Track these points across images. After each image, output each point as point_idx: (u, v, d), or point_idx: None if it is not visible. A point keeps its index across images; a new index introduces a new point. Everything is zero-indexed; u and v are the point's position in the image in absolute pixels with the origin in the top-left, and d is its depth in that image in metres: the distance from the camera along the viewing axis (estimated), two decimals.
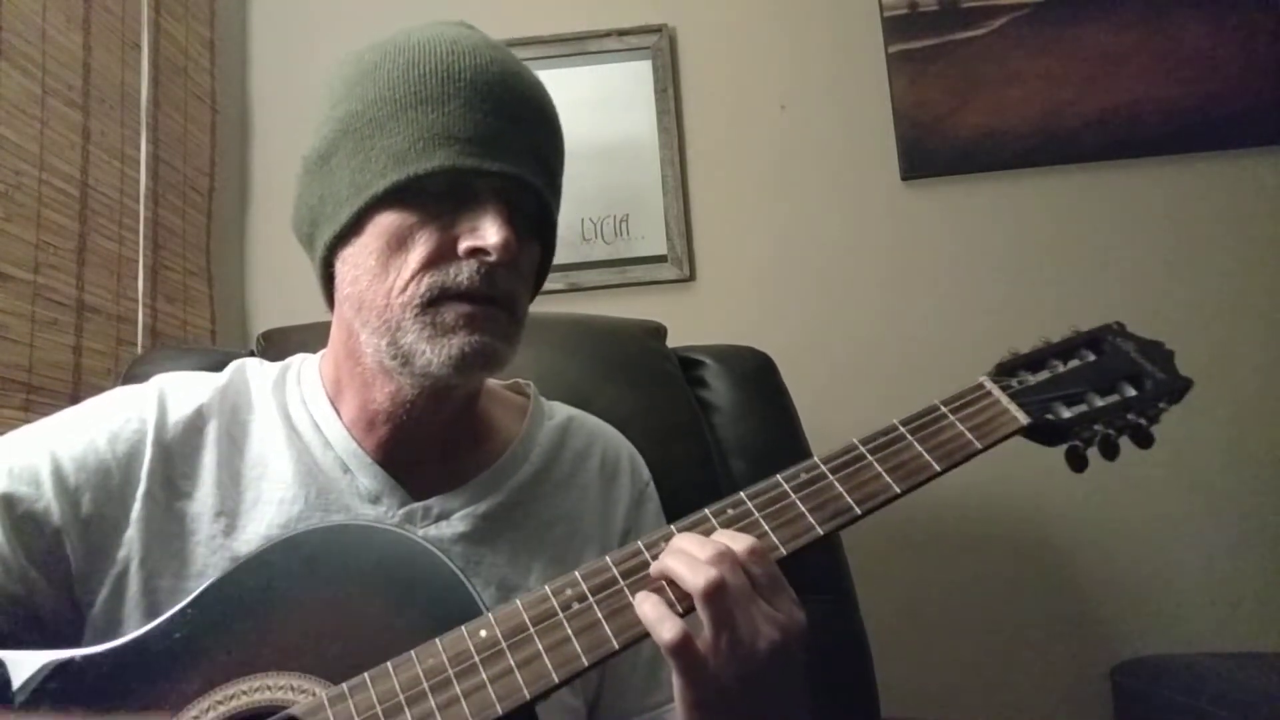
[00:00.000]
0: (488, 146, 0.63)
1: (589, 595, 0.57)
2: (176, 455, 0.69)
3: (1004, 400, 0.65)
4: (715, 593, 0.53)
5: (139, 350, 1.31)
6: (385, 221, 0.64)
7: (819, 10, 1.65)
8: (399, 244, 0.64)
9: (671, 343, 1.16)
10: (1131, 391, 0.66)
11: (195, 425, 0.70)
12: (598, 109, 1.62)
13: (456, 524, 0.71)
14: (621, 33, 1.65)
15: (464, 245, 0.63)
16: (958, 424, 0.64)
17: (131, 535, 0.65)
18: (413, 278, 0.64)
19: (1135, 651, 1.40)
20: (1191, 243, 1.54)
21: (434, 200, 0.64)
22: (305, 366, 0.78)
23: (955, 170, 1.59)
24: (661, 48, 1.64)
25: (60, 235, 1.18)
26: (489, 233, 0.62)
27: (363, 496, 0.70)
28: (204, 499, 0.68)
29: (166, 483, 0.67)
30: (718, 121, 1.64)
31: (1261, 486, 1.46)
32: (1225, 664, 1.23)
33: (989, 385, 0.67)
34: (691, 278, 1.59)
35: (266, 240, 1.66)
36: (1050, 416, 0.65)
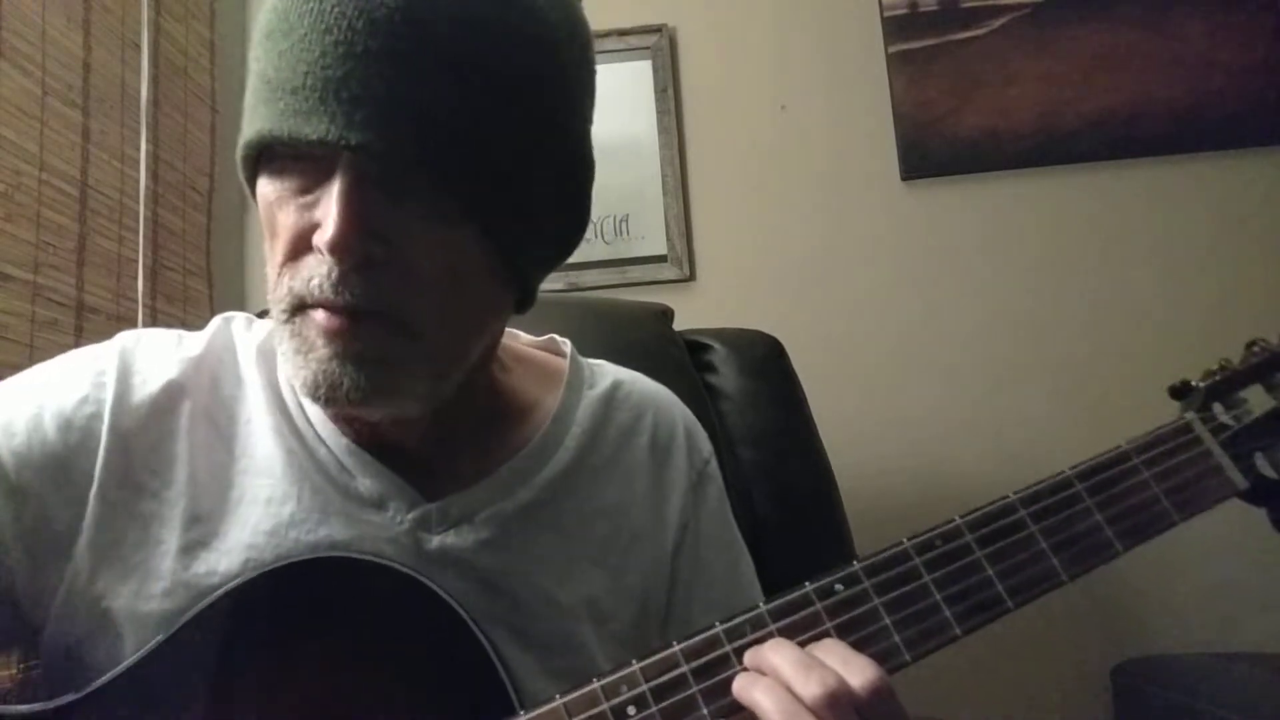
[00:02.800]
0: (321, 99, 0.45)
1: (650, 701, 0.44)
2: (140, 445, 0.55)
3: (1215, 450, 0.50)
4: None
5: None
6: (260, 194, 0.51)
7: (819, 10, 1.65)
8: (269, 227, 0.51)
9: (677, 330, 1.14)
10: None
11: (164, 407, 0.57)
12: (598, 109, 1.62)
13: (480, 528, 0.58)
14: (621, 33, 1.65)
15: (314, 238, 0.48)
16: (1152, 483, 0.49)
17: (82, 546, 0.53)
18: (277, 274, 0.51)
19: (1135, 651, 1.40)
20: (1191, 243, 1.54)
21: (296, 168, 0.49)
22: None
23: (955, 170, 1.59)
24: (661, 48, 1.64)
25: (60, 235, 1.18)
26: (325, 225, 0.46)
27: (365, 500, 0.57)
28: (174, 499, 0.55)
29: (126, 480, 0.55)
30: (718, 121, 1.64)
31: None
32: (1225, 664, 1.23)
33: (1197, 427, 0.51)
34: (691, 278, 1.59)
35: None
36: (1270, 473, 0.50)
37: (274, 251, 0.50)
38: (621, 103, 1.63)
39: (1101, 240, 1.55)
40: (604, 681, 0.45)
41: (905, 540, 0.48)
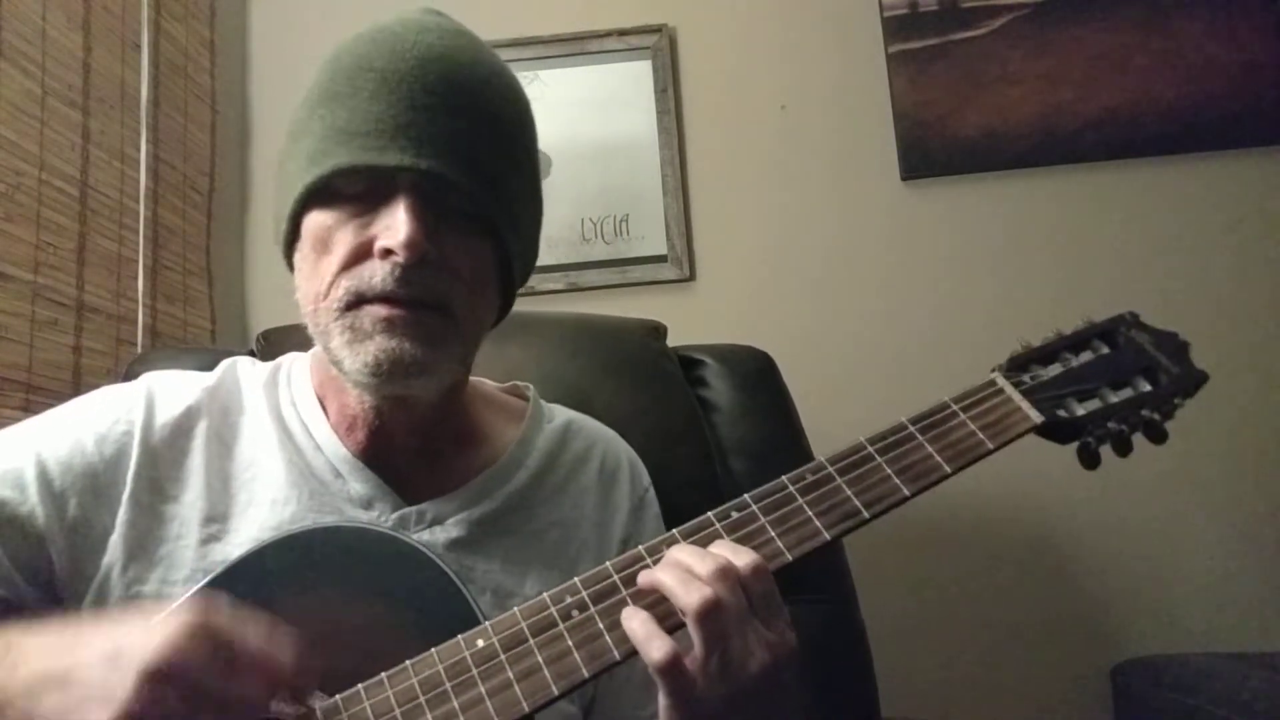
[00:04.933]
0: (389, 139, 0.60)
1: (589, 604, 0.55)
2: (163, 458, 0.67)
3: (1016, 398, 0.63)
4: (710, 612, 0.51)
5: (139, 350, 1.31)
6: (311, 224, 0.64)
7: (819, 10, 1.65)
8: (322, 246, 0.63)
9: (671, 342, 1.15)
10: (1146, 386, 0.65)
11: (183, 427, 0.69)
12: (598, 109, 1.62)
13: (450, 529, 0.69)
14: (621, 33, 1.65)
15: (378, 245, 0.61)
16: (969, 423, 0.62)
17: (115, 541, 0.63)
18: (333, 281, 0.62)
19: (1135, 651, 1.40)
20: (1191, 243, 1.54)
21: (352, 200, 0.62)
22: (296, 366, 0.76)
23: (955, 170, 1.59)
24: (661, 48, 1.64)
25: (60, 235, 1.18)
26: (395, 230, 0.60)
27: (355, 501, 0.68)
28: (192, 502, 0.66)
29: (152, 486, 0.66)
30: (718, 121, 1.64)
31: (1261, 486, 1.46)
32: (1225, 664, 1.23)
33: (1000, 381, 0.65)
34: (691, 278, 1.59)
35: (266, 240, 1.65)
36: (1063, 414, 0.63)
37: (325, 265, 0.63)
38: (621, 103, 1.63)
39: (1102, 240, 1.55)
40: (552, 594, 0.56)
41: (785, 477, 0.60)
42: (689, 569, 0.53)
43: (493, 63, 0.67)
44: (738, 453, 1.07)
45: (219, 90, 1.59)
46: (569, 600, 0.55)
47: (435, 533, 0.68)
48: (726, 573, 0.52)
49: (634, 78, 1.63)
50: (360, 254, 0.62)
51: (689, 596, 0.51)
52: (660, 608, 0.53)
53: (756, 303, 1.57)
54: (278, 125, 1.68)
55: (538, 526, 0.73)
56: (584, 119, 1.61)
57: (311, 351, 0.76)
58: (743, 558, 0.54)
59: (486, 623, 0.55)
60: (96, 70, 1.28)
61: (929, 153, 1.59)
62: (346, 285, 0.61)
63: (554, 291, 1.55)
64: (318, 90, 0.65)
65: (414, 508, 0.69)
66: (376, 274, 0.60)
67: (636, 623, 0.52)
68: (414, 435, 0.70)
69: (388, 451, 0.70)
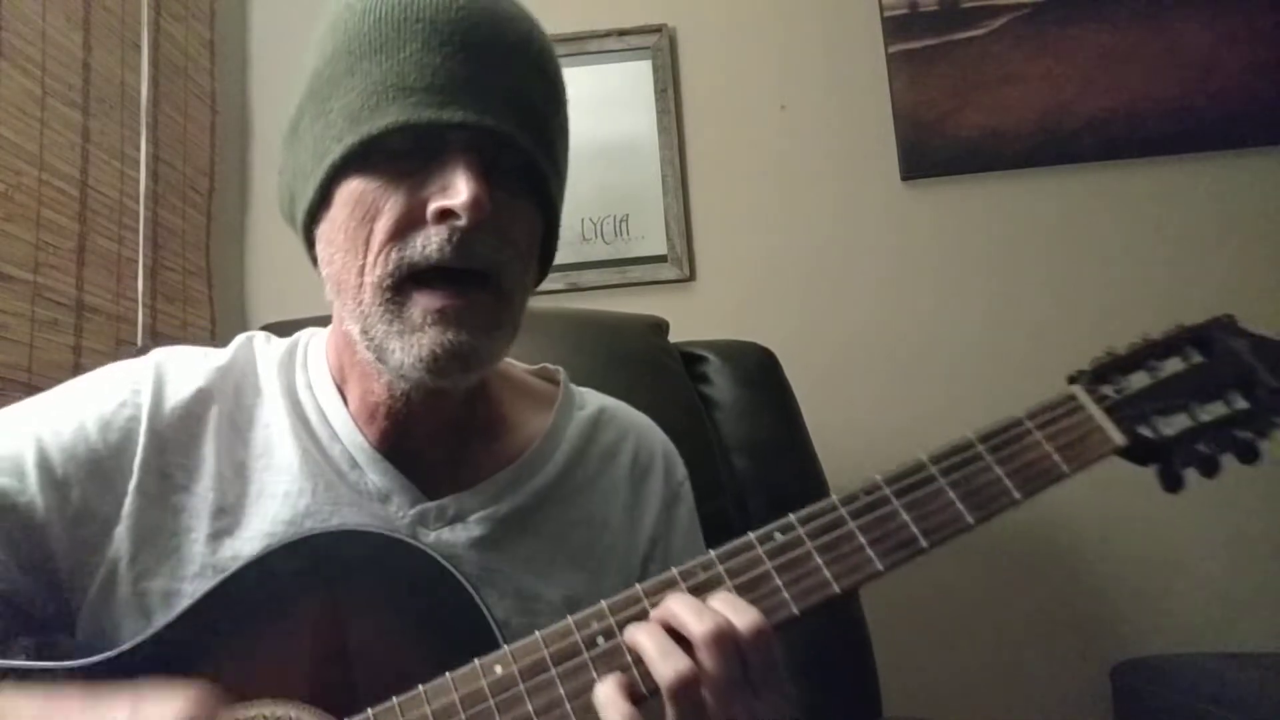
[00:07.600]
0: (448, 94, 0.56)
1: (616, 631, 0.50)
2: (172, 444, 0.63)
3: (1097, 415, 0.57)
4: (682, 689, 0.46)
5: (139, 350, 1.31)
6: (350, 190, 0.58)
7: (819, 10, 1.65)
8: (365, 214, 0.57)
9: (671, 342, 1.15)
10: (1242, 403, 0.58)
11: (194, 411, 0.65)
12: (598, 109, 1.62)
13: (473, 527, 0.65)
14: (621, 33, 1.65)
15: (432, 206, 0.56)
16: (1043, 443, 0.56)
17: (121, 532, 0.60)
18: (380, 252, 0.57)
19: (1135, 651, 1.40)
20: (1191, 243, 1.54)
21: (399, 161, 0.57)
22: (313, 345, 0.72)
23: (955, 170, 1.59)
24: (661, 48, 1.64)
25: (60, 235, 1.18)
26: (457, 189, 0.55)
27: (372, 495, 0.65)
28: (203, 493, 0.62)
29: (161, 475, 0.62)
30: (718, 121, 1.64)
31: (1261, 486, 1.46)
32: (1225, 664, 1.23)
33: (1081, 397, 0.58)
34: (691, 278, 1.59)
35: (266, 240, 1.65)
36: (1148, 433, 0.57)
37: (370, 233, 0.57)
38: (621, 103, 1.62)
39: (1101, 240, 1.55)
40: (577, 617, 0.51)
41: (834, 496, 0.55)
42: (684, 627, 0.48)
43: (530, 15, 0.64)
44: (740, 451, 1.06)
45: (219, 90, 1.59)
46: (595, 626, 0.51)
47: (456, 530, 0.65)
48: (725, 637, 0.47)
49: (634, 78, 1.63)
50: (412, 219, 0.57)
51: (664, 668, 0.47)
52: (643, 667, 0.49)
53: (756, 303, 1.57)
54: (278, 125, 1.67)
55: (564, 524, 0.69)
56: (584, 119, 1.60)
57: (329, 329, 0.71)
58: (744, 618, 0.48)
59: (506, 648, 0.51)
60: (96, 70, 1.28)
61: (929, 153, 1.59)
62: (397, 257, 0.56)
63: (553, 291, 1.55)
64: (352, 42, 0.58)
65: (434, 503, 0.65)
66: (431, 240, 0.56)
67: (604, 689, 0.48)
68: (440, 425, 0.66)
69: (409, 442, 0.66)
